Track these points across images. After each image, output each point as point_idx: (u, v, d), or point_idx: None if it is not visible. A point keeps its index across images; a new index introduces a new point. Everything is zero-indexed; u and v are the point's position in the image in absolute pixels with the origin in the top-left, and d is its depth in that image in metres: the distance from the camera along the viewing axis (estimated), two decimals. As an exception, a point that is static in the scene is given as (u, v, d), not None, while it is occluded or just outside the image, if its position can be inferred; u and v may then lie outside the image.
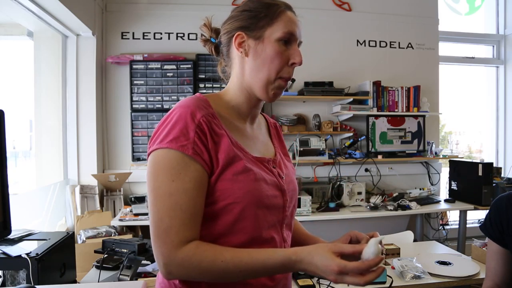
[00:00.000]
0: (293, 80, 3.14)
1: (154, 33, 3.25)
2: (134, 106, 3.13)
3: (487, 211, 1.31)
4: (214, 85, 3.19)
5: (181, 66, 3.15)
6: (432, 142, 3.46)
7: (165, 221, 0.74)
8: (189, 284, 0.82)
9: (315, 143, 3.17)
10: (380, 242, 0.75)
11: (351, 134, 3.37)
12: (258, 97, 0.88)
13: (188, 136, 0.76)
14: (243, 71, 0.86)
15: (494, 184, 3.04)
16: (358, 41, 3.56)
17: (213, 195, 0.79)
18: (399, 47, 3.63)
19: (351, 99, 3.27)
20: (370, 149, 3.34)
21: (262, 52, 0.83)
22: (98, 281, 1.64)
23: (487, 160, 3.16)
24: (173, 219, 0.74)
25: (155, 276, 1.70)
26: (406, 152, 3.42)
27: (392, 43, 3.62)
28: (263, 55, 0.83)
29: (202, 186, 0.77)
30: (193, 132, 0.76)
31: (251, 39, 0.84)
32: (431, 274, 1.67)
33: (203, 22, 0.92)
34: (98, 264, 1.81)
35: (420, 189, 3.38)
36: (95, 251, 1.84)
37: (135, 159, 3.14)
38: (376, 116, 3.34)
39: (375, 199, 3.05)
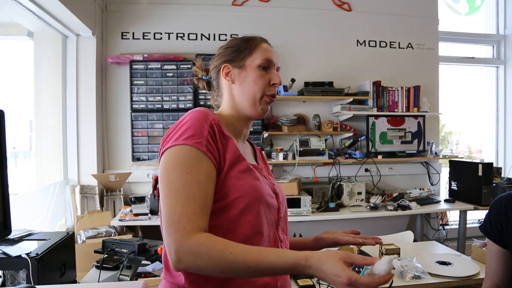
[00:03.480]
0: (293, 80, 3.15)
1: (154, 33, 3.25)
2: (134, 106, 3.13)
3: (487, 211, 1.31)
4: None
5: (181, 66, 3.14)
6: (432, 142, 3.46)
7: (178, 210, 0.78)
8: (198, 285, 0.84)
9: (315, 143, 3.17)
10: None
11: (351, 134, 3.37)
12: (248, 115, 0.99)
13: (202, 135, 0.84)
14: (232, 96, 1.00)
15: (494, 184, 3.04)
16: (358, 41, 3.56)
17: (221, 191, 0.85)
18: (399, 47, 3.63)
19: (351, 99, 3.27)
20: (370, 149, 3.34)
21: (246, 78, 0.98)
22: (98, 281, 1.65)
23: (487, 160, 3.16)
24: (186, 208, 0.78)
25: (155, 276, 1.71)
26: (406, 152, 3.42)
27: (392, 43, 3.62)
28: (247, 79, 0.98)
29: (213, 180, 0.84)
30: (206, 131, 0.85)
31: (236, 69, 0.99)
32: (431, 274, 1.67)
33: (195, 64, 1.08)
34: (98, 264, 1.81)
35: (420, 189, 3.38)
36: (95, 251, 1.84)
37: (135, 159, 3.14)
38: (376, 116, 3.34)
39: (375, 199, 3.05)
